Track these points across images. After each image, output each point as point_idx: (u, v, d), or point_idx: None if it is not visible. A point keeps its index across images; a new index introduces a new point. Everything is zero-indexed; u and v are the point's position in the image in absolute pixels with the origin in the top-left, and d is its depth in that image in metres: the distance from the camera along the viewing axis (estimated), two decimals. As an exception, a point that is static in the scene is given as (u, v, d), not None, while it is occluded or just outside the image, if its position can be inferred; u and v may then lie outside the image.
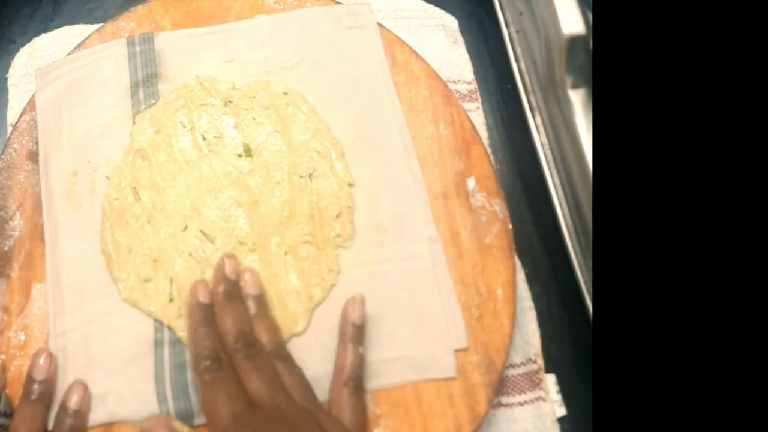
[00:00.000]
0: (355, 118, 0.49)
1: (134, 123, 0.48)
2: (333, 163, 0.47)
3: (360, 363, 0.41)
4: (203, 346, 0.40)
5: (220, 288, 0.42)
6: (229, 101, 0.49)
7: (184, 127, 0.48)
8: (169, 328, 0.43)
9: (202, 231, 0.45)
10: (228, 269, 0.43)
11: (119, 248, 0.45)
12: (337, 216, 0.45)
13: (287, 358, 0.41)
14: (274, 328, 0.42)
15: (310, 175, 0.47)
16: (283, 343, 0.42)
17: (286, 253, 0.44)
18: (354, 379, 0.40)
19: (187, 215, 0.46)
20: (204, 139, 0.48)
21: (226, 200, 0.46)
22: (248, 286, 0.43)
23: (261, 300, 0.43)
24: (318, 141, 0.48)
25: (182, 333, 0.43)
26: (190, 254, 0.44)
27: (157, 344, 0.43)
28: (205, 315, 0.41)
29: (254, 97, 0.49)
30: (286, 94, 0.49)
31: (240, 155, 0.47)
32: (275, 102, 0.49)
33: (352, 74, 0.50)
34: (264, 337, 0.41)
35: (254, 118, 0.49)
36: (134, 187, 0.46)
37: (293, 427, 0.36)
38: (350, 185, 0.46)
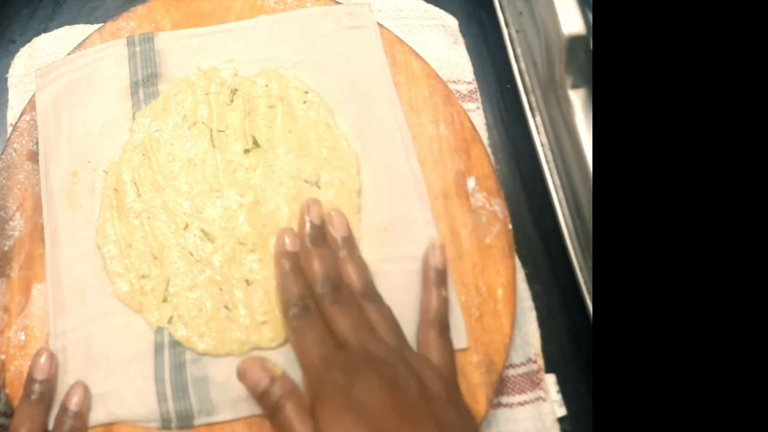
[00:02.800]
0: (355, 118, 0.49)
1: (134, 119, 0.48)
2: (345, 178, 0.46)
3: (444, 305, 0.42)
4: (291, 293, 0.41)
5: (306, 232, 0.43)
6: (236, 89, 0.49)
7: (186, 121, 0.48)
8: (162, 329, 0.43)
9: (202, 230, 0.45)
10: (313, 213, 0.43)
11: (118, 243, 0.45)
12: None
13: (376, 299, 0.41)
14: (362, 268, 0.43)
15: (317, 182, 0.46)
16: (371, 282, 0.42)
17: None
18: (440, 320, 0.41)
19: (188, 213, 0.46)
20: (210, 133, 0.48)
21: (228, 199, 0.46)
22: (335, 228, 0.43)
23: (348, 241, 0.43)
24: (335, 154, 0.47)
25: (178, 334, 0.43)
26: (191, 253, 0.44)
27: (157, 344, 0.43)
28: (292, 261, 0.42)
29: (267, 86, 0.49)
30: (306, 93, 0.49)
31: (247, 150, 0.47)
32: (289, 96, 0.49)
33: (352, 74, 0.50)
34: (352, 277, 0.42)
35: (263, 110, 0.48)
36: (135, 183, 0.46)
37: (380, 365, 0.37)
38: (358, 193, 0.46)
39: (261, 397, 0.38)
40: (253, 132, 0.48)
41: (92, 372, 0.42)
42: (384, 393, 0.36)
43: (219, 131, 0.48)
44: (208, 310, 0.43)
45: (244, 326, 0.43)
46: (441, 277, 0.43)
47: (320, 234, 0.43)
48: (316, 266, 0.41)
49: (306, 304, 0.40)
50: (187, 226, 0.45)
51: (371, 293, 0.42)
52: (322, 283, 0.40)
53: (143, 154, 0.47)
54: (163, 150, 0.47)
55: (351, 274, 0.42)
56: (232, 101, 0.49)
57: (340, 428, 0.35)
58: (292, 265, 0.42)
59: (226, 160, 0.47)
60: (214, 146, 0.48)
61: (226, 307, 0.43)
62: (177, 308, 0.43)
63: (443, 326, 0.41)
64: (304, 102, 0.49)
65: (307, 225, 0.43)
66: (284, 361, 0.41)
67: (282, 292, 0.42)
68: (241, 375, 0.39)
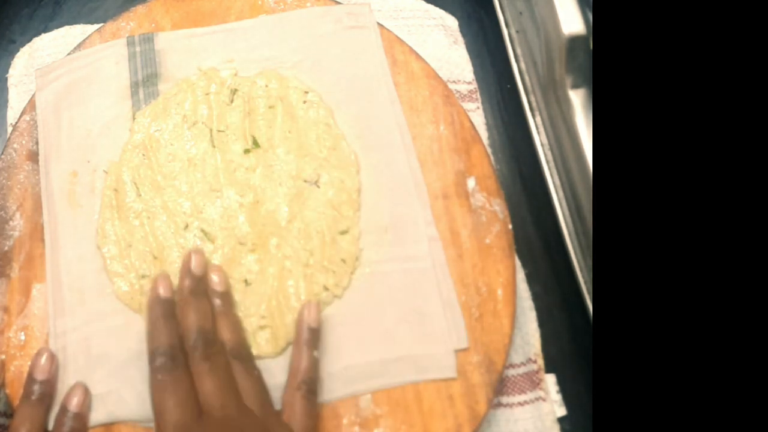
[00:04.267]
0: (355, 118, 0.49)
1: (134, 119, 0.48)
2: (344, 178, 0.47)
3: (313, 366, 0.40)
4: (159, 342, 0.39)
5: (185, 283, 0.41)
6: (236, 90, 0.49)
7: (186, 121, 0.48)
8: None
9: (202, 230, 0.45)
10: (194, 264, 0.42)
11: (117, 243, 0.45)
12: (342, 232, 0.45)
13: (247, 359, 0.40)
14: (237, 326, 0.41)
15: (316, 182, 0.46)
16: (245, 341, 0.41)
17: (286, 259, 0.44)
18: (307, 383, 0.39)
19: (188, 213, 0.46)
20: (210, 133, 0.48)
21: (227, 199, 0.46)
22: (214, 283, 0.42)
23: (226, 297, 0.42)
24: (334, 154, 0.47)
25: None
26: None
27: (157, 344, 0.43)
28: (164, 309, 0.40)
29: (266, 86, 0.49)
30: (306, 93, 0.49)
31: (247, 150, 0.47)
32: (289, 96, 0.49)
33: (352, 74, 0.50)
34: (226, 334, 0.40)
35: (263, 110, 0.48)
36: (135, 183, 0.46)
37: None
38: (358, 193, 0.46)
39: None
40: (253, 132, 0.48)
41: (92, 372, 0.42)
42: None
43: (219, 131, 0.48)
44: None
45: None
46: (314, 337, 0.41)
47: (200, 285, 0.42)
48: (192, 318, 0.40)
49: (174, 355, 0.38)
50: (187, 226, 0.45)
51: (244, 354, 0.40)
52: (195, 336, 0.39)
53: (143, 154, 0.47)
54: (163, 150, 0.47)
55: (226, 330, 0.40)
56: (232, 101, 0.49)
57: None
58: (164, 312, 0.40)
59: (226, 160, 0.47)
60: (214, 146, 0.48)
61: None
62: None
63: (310, 389, 0.39)
64: (304, 102, 0.49)
65: (188, 275, 0.42)
66: (283, 369, 0.41)
67: (150, 340, 0.40)
68: None
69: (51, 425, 0.40)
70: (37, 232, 0.46)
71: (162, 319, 0.40)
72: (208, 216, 0.45)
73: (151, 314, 0.40)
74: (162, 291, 0.41)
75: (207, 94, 0.49)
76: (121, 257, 0.44)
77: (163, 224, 0.45)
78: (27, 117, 0.49)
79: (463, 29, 0.57)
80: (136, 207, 0.46)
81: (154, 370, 0.38)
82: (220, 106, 0.49)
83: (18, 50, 0.55)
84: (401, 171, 0.47)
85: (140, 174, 0.47)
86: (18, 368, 0.42)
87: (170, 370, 0.38)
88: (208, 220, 0.45)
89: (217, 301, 0.42)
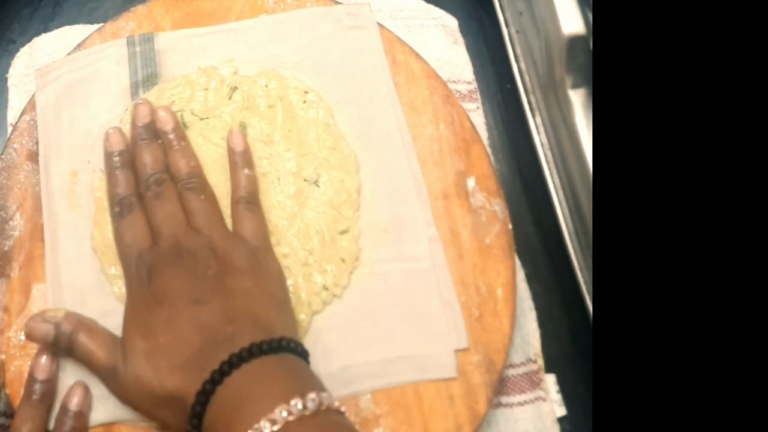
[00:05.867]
0: (355, 118, 0.49)
1: (122, 121, 0.48)
2: (344, 177, 0.46)
3: (251, 181, 0.45)
4: (116, 191, 0.43)
5: (135, 132, 0.45)
6: (236, 87, 0.49)
7: (176, 112, 0.48)
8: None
9: None
10: (139, 115, 0.45)
11: (111, 246, 0.44)
12: (342, 232, 0.45)
13: (198, 186, 0.43)
14: (187, 156, 0.45)
15: (316, 182, 0.46)
16: (197, 169, 0.44)
17: (285, 258, 0.44)
18: (246, 195, 0.44)
19: None
20: (200, 120, 0.48)
21: (225, 199, 0.46)
22: (162, 122, 0.45)
23: (176, 131, 0.45)
24: (334, 153, 0.47)
25: None
26: None
27: (157, 344, 0.43)
28: (120, 159, 0.44)
29: (266, 86, 0.49)
30: (306, 93, 0.49)
31: (242, 130, 0.47)
32: (289, 95, 0.49)
33: (352, 74, 0.50)
34: (178, 167, 0.44)
35: (263, 109, 0.48)
36: None
37: (183, 256, 0.40)
38: (358, 192, 0.46)
39: (55, 344, 0.40)
40: (246, 122, 0.48)
41: (92, 372, 0.42)
42: (180, 280, 0.39)
43: (210, 124, 0.48)
44: None
45: None
46: (243, 158, 0.45)
47: (149, 130, 0.45)
48: (142, 163, 0.44)
49: (128, 202, 0.43)
50: None
51: (193, 182, 0.43)
52: (146, 178, 0.43)
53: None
54: None
55: (177, 163, 0.44)
56: (230, 98, 0.49)
57: (136, 324, 0.39)
58: (120, 162, 0.44)
59: (219, 155, 0.47)
60: (203, 137, 0.47)
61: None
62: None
63: (251, 199, 0.44)
64: (304, 102, 0.49)
65: (135, 122, 0.45)
66: None
67: (108, 191, 0.44)
68: (30, 336, 0.40)
69: (52, 425, 0.40)
70: (37, 232, 0.46)
71: (116, 169, 0.44)
72: None
73: (107, 168, 0.45)
74: (114, 145, 0.45)
75: (206, 89, 0.49)
76: (118, 260, 0.44)
77: None
78: (27, 117, 0.49)
79: (463, 29, 0.57)
80: None
81: (113, 219, 0.43)
82: (219, 102, 0.49)
83: (18, 50, 0.55)
84: (401, 171, 0.47)
85: None
86: (18, 368, 0.42)
87: (125, 214, 0.42)
88: None
89: (168, 137, 0.45)
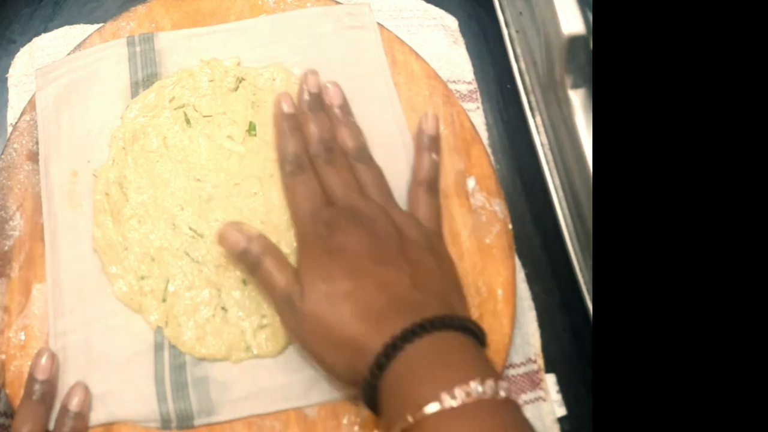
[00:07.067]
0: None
1: (122, 118, 0.48)
2: None
3: (434, 167, 0.46)
4: (287, 151, 0.44)
5: (304, 98, 0.46)
6: (242, 79, 0.49)
7: (177, 108, 0.48)
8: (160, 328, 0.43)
9: (190, 227, 0.45)
10: (310, 82, 0.47)
11: (114, 247, 0.45)
12: None
13: (367, 160, 0.45)
14: (355, 132, 0.46)
15: None
16: (364, 145, 0.45)
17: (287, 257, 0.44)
18: (428, 180, 0.45)
19: (175, 211, 0.45)
20: (203, 117, 0.48)
21: (224, 199, 0.46)
22: (331, 96, 0.47)
23: (344, 107, 0.47)
24: None
25: (171, 336, 0.43)
26: (187, 252, 0.44)
27: (157, 344, 0.43)
28: (289, 123, 0.45)
29: (273, 80, 0.49)
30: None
31: (251, 131, 0.47)
32: (292, 91, 0.49)
33: (352, 74, 0.50)
34: (346, 141, 0.45)
35: (269, 104, 0.48)
36: (121, 184, 0.46)
37: (362, 219, 0.40)
38: None
39: (240, 256, 0.41)
40: (254, 120, 0.48)
41: (92, 372, 0.42)
42: (361, 240, 0.39)
43: (213, 119, 0.48)
44: (205, 315, 0.43)
45: (242, 332, 0.43)
46: (433, 143, 0.46)
47: (317, 101, 0.46)
48: (312, 128, 0.44)
49: (301, 162, 0.43)
50: (175, 226, 0.45)
51: (363, 155, 0.45)
52: (316, 144, 0.44)
53: (128, 151, 0.47)
54: (145, 148, 0.47)
55: (345, 137, 0.45)
56: (236, 89, 0.49)
57: (316, 267, 0.39)
58: (290, 126, 0.45)
59: (216, 146, 0.47)
60: (203, 133, 0.47)
61: (223, 308, 0.43)
62: (175, 312, 0.43)
63: (431, 185, 0.45)
64: None
65: (305, 92, 0.46)
66: (283, 369, 0.42)
67: (279, 150, 0.45)
68: (221, 239, 0.42)
69: (52, 425, 0.40)
70: (37, 232, 0.46)
71: (288, 130, 0.45)
72: (203, 212, 0.45)
73: (278, 128, 0.46)
74: (285, 107, 0.46)
75: (211, 80, 0.49)
76: (119, 260, 0.44)
77: (155, 224, 0.45)
78: (27, 117, 0.49)
79: (463, 29, 0.57)
80: (126, 211, 0.45)
81: (284, 176, 0.44)
82: (223, 94, 0.48)
83: (18, 50, 0.55)
84: (401, 171, 0.47)
85: (127, 174, 0.46)
86: (18, 368, 0.42)
87: (298, 173, 0.43)
88: (203, 216, 0.45)
89: (335, 111, 0.46)
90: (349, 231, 0.39)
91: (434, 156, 0.46)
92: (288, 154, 0.44)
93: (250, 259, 0.41)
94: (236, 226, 0.42)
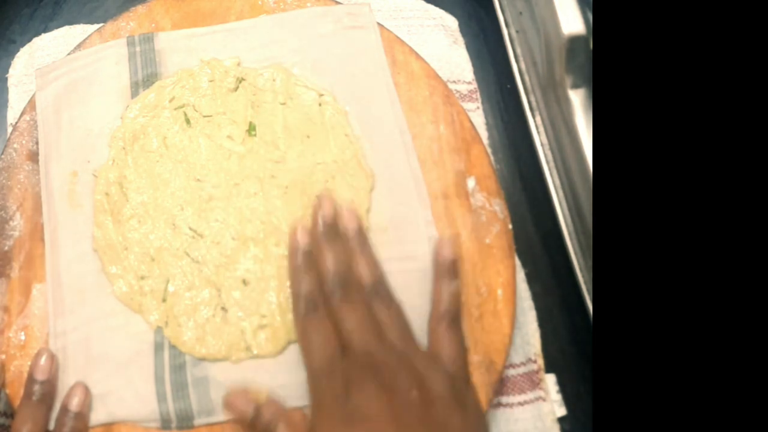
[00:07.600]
0: (354, 118, 0.49)
1: (122, 118, 0.48)
2: (355, 197, 0.46)
3: (455, 298, 0.42)
4: (300, 289, 0.41)
5: (319, 228, 0.42)
6: (242, 79, 0.49)
7: (177, 108, 0.48)
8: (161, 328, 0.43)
9: (190, 227, 0.45)
10: (326, 210, 0.43)
11: (114, 247, 0.45)
12: None
13: (385, 295, 0.41)
14: (372, 264, 0.42)
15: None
16: (382, 278, 0.42)
17: (285, 258, 0.44)
18: (450, 313, 0.41)
19: (175, 211, 0.45)
20: (203, 117, 0.48)
21: (210, 192, 0.46)
22: (346, 222, 0.43)
23: (360, 234, 0.43)
24: (350, 165, 0.47)
25: (171, 336, 0.43)
26: (187, 252, 0.44)
27: (157, 344, 0.43)
28: (303, 258, 0.42)
29: (273, 80, 0.49)
30: (321, 95, 0.49)
31: (251, 132, 0.47)
32: (299, 94, 0.49)
33: (352, 74, 0.50)
34: (362, 273, 0.41)
35: (269, 104, 0.48)
36: (121, 184, 0.46)
37: (381, 370, 0.37)
38: (367, 212, 0.46)
39: (251, 426, 0.39)
40: (254, 120, 0.48)
41: (92, 372, 0.42)
42: (381, 401, 0.36)
43: (213, 119, 0.48)
44: (205, 315, 0.43)
45: (242, 332, 0.43)
46: (452, 269, 0.42)
47: (333, 229, 0.43)
48: (328, 262, 0.41)
49: (315, 301, 0.40)
50: (176, 225, 0.45)
51: (381, 290, 0.41)
52: (332, 280, 0.40)
53: (129, 151, 0.47)
54: (145, 148, 0.47)
55: (362, 270, 0.41)
56: (236, 89, 0.49)
57: (333, 430, 0.36)
58: (304, 261, 0.42)
59: (216, 146, 0.47)
60: (203, 133, 0.47)
61: (223, 308, 0.43)
62: (175, 312, 0.43)
63: (454, 319, 0.41)
64: (320, 105, 0.49)
65: (320, 220, 0.43)
66: (283, 369, 0.42)
67: (293, 287, 0.42)
68: (228, 407, 0.40)
69: (52, 425, 0.40)
70: (37, 232, 0.46)
71: (302, 266, 0.42)
72: (203, 212, 0.45)
73: (292, 264, 0.42)
74: (300, 240, 0.42)
75: (211, 81, 0.49)
76: (119, 260, 0.44)
77: (155, 225, 0.45)
78: (27, 117, 0.49)
79: (463, 29, 0.57)
80: (126, 211, 0.45)
81: (297, 315, 0.41)
82: (223, 94, 0.48)
83: (18, 50, 0.55)
84: (401, 171, 0.47)
85: (127, 174, 0.46)
86: (18, 368, 0.42)
87: (311, 314, 0.40)
88: (203, 216, 0.45)
89: (351, 241, 0.42)
90: (367, 390, 0.36)
91: (454, 285, 0.42)
92: (302, 292, 0.41)
93: (261, 428, 0.38)
94: (242, 393, 0.40)
